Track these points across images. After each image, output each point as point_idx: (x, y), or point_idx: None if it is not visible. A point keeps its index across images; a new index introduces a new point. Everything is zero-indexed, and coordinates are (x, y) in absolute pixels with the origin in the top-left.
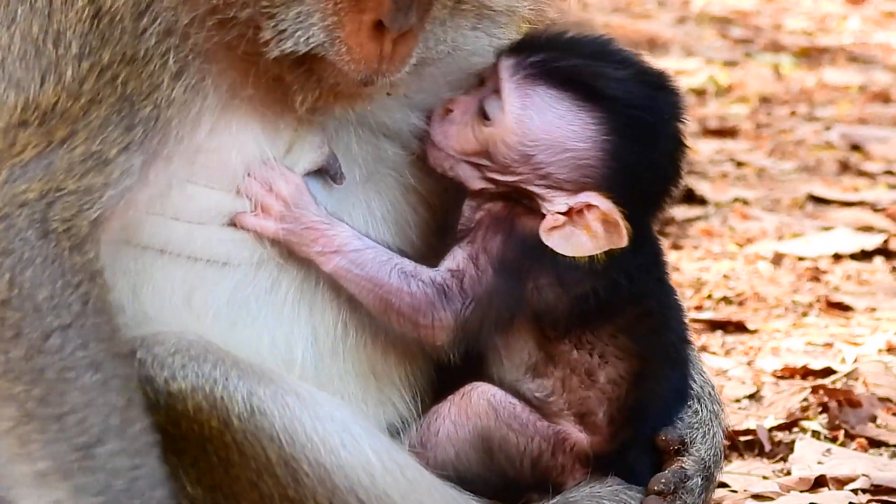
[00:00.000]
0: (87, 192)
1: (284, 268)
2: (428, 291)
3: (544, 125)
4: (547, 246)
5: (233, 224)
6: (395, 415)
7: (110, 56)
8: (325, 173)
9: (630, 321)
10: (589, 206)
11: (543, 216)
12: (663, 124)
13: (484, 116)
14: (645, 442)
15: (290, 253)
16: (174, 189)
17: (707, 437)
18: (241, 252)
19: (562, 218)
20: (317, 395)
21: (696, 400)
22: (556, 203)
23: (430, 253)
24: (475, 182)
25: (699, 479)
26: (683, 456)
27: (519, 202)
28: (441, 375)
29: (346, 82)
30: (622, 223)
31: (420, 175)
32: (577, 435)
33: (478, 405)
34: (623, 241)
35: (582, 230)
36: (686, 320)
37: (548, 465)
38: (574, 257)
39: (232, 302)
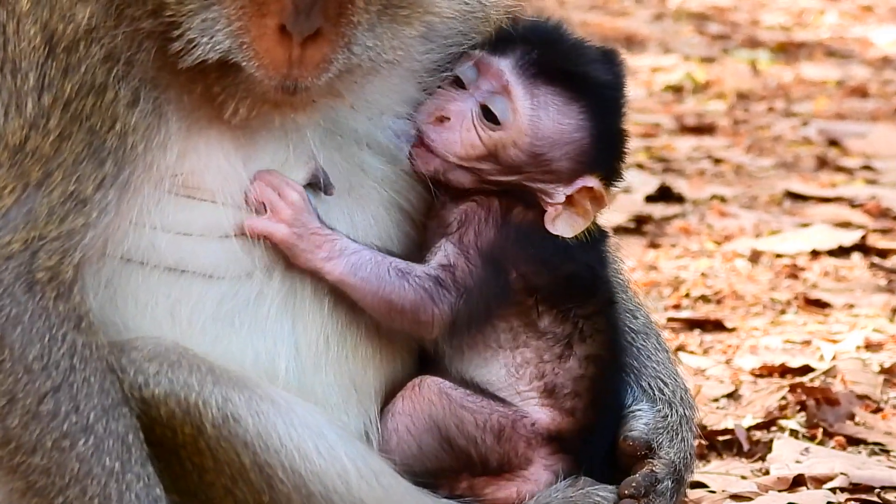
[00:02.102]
0: (69, 236)
1: (268, 282)
2: (426, 286)
3: (551, 123)
4: (532, 234)
5: (219, 237)
6: (373, 425)
7: (71, 89)
8: (315, 186)
9: (598, 308)
10: (581, 190)
11: (532, 205)
12: (623, 96)
13: (490, 120)
14: (605, 429)
15: (275, 265)
16: (156, 204)
17: (675, 440)
18: (226, 265)
19: (561, 207)
20: (292, 402)
21: (666, 405)
22: (556, 195)
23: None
24: (467, 183)
25: (669, 483)
26: (652, 460)
27: (506, 194)
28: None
29: (266, 90)
30: (606, 193)
31: (402, 189)
32: (537, 413)
33: (429, 393)
34: (606, 206)
35: (576, 211)
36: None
37: (511, 439)
38: (560, 240)
39: (216, 316)
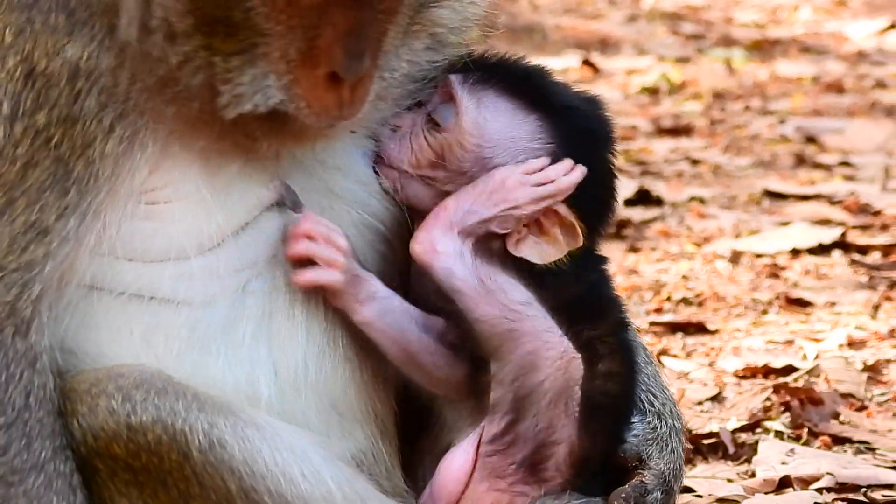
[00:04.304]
0: (28, 267)
1: (241, 306)
2: (445, 343)
3: (499, 126)
4: (515, 259)
5: (183, 262)
6: (360, 447)
7: (45, 119)
8: (283, 205)
9: (610, 330)
10: (546, 213)
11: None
12: (605, 139)
13: (435, 125)
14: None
15: (244, 289)
16: (119, 230)
17: (665, 451)
18: (192, 291)
19: (524, 230)
20: (277, 427)
21: (655, 416)
22: None
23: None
24: (429, 201)
25: (659, 494)
26: (642, 471)
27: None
28: (403, 406)
29: (310, 129)
30: (578, 225)
31: (376, 211)
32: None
33: (573, 373)
34: (579, 242)
35: (543, 237)
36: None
37: (556, 454)
38: (541, 266)
39: (192, 342)
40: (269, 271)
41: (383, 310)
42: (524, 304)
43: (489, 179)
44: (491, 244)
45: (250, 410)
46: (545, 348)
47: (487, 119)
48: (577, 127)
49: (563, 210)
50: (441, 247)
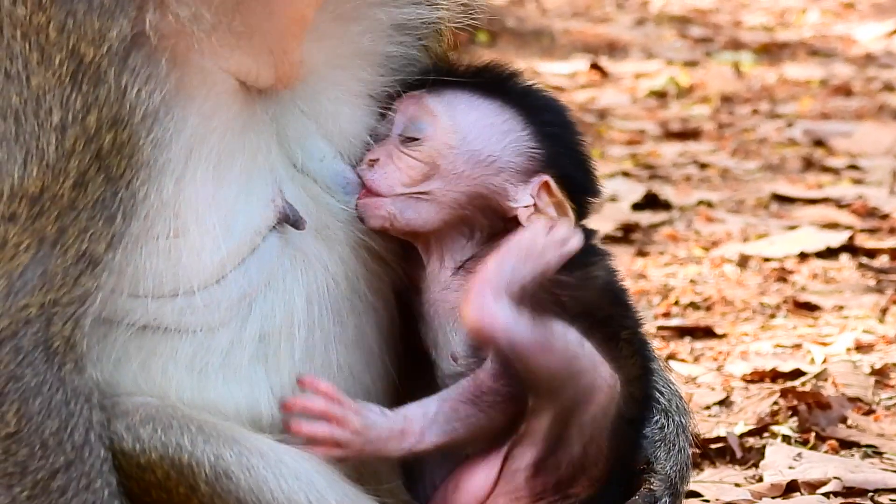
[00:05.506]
0: (80, 300)
1: (241, 331)
2: (483, 406)
3: (476, 115)
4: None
5: (187, 293)
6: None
7: (96, 121)
8: (286, 222)
9: (633, 331)
10: (540, 188)
11: (511, 226)
12: (568, 116)
13: (413, 140)
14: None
15: (246, 315)
16: (140, 264)
17: (672, 452)
18: (196, 320)
19: (531, 209)
20: (280, 452)
21: (662, 414)
22: (520, 197)
23: (380, 305)
24: (432, 216)
25: (667, 499)
26: (650, 475)
27: (492, 231)
28: None
29: None
30: (567, 202)
31: (368, 231)
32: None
33: (618, 391)
34: (571, 219)
35: (542, 216)
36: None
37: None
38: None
39: (191, 368)
40: (267, 293)
41: (440, 429)
42: (580, 344)
43: (519, 241)
44: (533, 295)
45: (253, 437)
46: (600, 379)
47: (464, 113)
48: (547, 109)
49: (554, 184)
50: (500, 315)
